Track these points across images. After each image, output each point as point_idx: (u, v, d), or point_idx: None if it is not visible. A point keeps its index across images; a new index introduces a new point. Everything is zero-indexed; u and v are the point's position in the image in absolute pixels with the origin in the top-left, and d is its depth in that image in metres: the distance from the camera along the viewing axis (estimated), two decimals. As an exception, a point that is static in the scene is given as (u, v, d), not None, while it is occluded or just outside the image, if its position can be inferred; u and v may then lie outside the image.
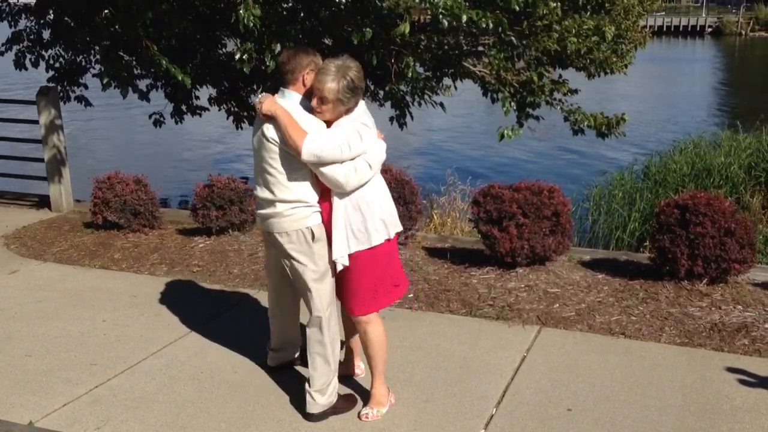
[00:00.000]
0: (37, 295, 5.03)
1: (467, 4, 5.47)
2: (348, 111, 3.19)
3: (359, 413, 3.41)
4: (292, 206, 3.23)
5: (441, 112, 7.87)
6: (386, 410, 3.43)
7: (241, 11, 5.22)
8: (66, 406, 3.56)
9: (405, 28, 5.22)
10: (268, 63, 6.08)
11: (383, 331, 3.39)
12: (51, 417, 3.46)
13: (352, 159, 3.13)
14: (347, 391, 3.60)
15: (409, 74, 6.35)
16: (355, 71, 3.15)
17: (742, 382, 3.67)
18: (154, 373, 3.88)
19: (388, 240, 3.30)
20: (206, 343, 4.22)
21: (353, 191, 3.19)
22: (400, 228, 3.39)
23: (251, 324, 4.48)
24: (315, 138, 3.08)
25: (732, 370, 3.79)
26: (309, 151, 3.07)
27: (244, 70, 6.17)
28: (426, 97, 7.60)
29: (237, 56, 6.11)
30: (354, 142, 3.12)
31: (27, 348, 4.21)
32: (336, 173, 3.11)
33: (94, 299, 4.93)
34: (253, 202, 6.17)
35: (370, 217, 3.21)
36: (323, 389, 3.37)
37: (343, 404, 3.47)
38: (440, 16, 5.17)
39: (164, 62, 5.84)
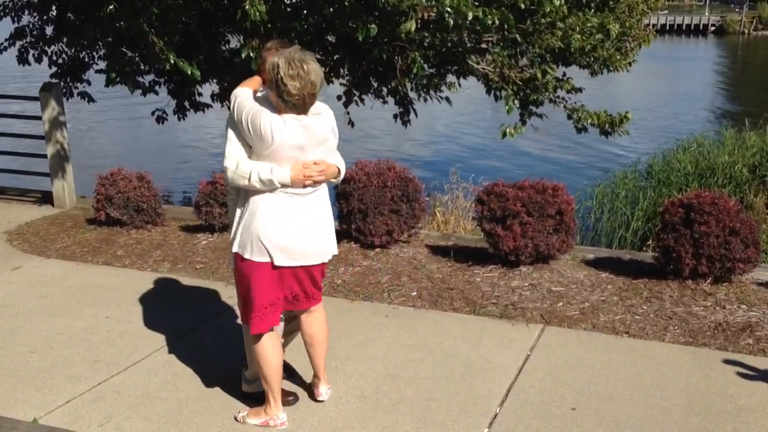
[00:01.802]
0: (40, 292, 5.02)
1: (474, 2, 5.45)
2: (286, 107, 2.99)
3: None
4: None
5: (444, 110, 7.88)
6: (255, 422, 3.30)
7: (247, 6, 5.21)
8: (69, 403, 3.55)
9: (411, 26, 5.21)
10: None
11: (266, 353, 3.19)
12: (54, 414, 3.46)
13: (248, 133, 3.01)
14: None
15: (415, 70, 6.34)
16: (287, 69, 2.90)
17: (746, 382, 3.66)
18: (157, 369, 3.88)
19: (261, 262, 3.07)
20: (210, 340, 4.21)
21: (256, 195, 3.05)
22: (291, 263, 3.09)
23: (254, 321, 4.47)
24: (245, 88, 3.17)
25: (736, 370, 3.78)
26: (235, 91, 3.13)
27: (252, 67, 6.15)
28: (431, 92, 7.60)
29: (244, 53, 6.10)
30: (253, 116, 2.96)
31: (30, 344, 4.21)
32: (227, 152, 3.05)
33: (97, 296, 4.93)
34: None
35: (254, 230, 3.05)
36: (244, 376, 3.56)
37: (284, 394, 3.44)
38: (446, 15, 5.15)
39: (172, 57, 5.83)
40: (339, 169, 3.21)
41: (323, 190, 3.23)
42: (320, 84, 3.00)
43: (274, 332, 3.25)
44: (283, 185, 3.03)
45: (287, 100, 2.96)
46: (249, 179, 3.01)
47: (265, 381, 3.26)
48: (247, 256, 3.09)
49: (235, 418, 3.38)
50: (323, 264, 3.29)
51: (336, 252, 3.34)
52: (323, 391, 3.49)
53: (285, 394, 3.44)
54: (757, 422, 3.30)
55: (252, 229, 3.06)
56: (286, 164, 3.02)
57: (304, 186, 3.07)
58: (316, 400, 3.50)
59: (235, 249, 3.14)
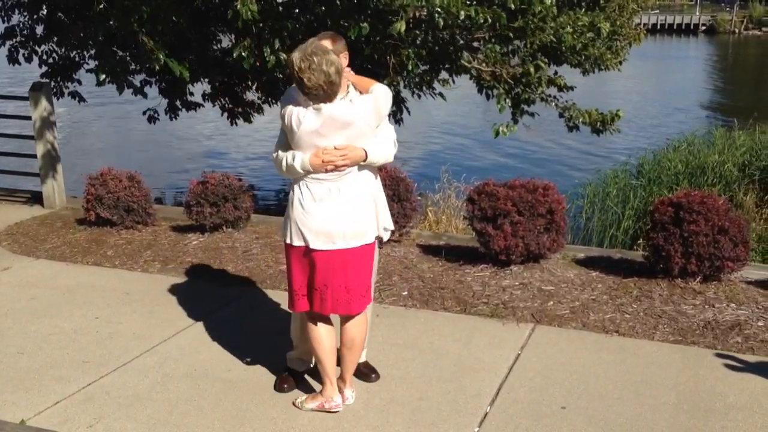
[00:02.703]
0: (30, 293, 5.00)
1: (465, 1, 5.46)
2: (309, 99, 3.15)
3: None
4: None
5: (436, 109, 7.90)
6: (311, 406, 3.43)
7: (238, 6, 5.21)
8: (58, 404, 3.54)
9: (401, 26, 5.22)
10: (267, 58, 6.05)
11: (317, 335, 3.35)
12: (43, 415, 3.44)
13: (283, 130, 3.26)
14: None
15: (410, 66, 6.34)
16: (300, 63, 3.05)
17: (735, 380, 3.68)
18: (147, 370, 3.87)
19: (291, 245, 3.27)
20: (200, 341, 4.20)
21: (295, 185, 3.27)
22: (329, 246, 3.19)
23: (245, 321, 4.46)
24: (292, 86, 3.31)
25: (725, 368, 3.80)
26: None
27: (244, 66, 6.14)
28: (424, 89, 7.62)
29: (236, 53, 6.08)
30: (283, 111, 3.22)
31: (19, 345, 4.19)
32: (275, 145, 3.33)
33: (87, 296, 4.91)
34: (248, 200, 6.17)
35: (292, 216, 3.26)
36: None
37: (282, 381, 3.66)
38: (436, 15, 5.17)
39: (162, 56, 5.81)
40: (366, 153, 3.21)
41: (359, 176, 3.26)
42: (335, 73, 3.07)
43: (322, 321, 3.36)
44: (305, 170, 3.17)
45: (307, 93, 3.08)
46: (281, 167, 3.24)
47: (319, 362, 3.41)
48: (288, 241, 3.29)
49: (294, 404, 3.45)
50: (362, 255, 3.27)
51: (376, 233, 3.36)
52: (349, 395, 3.50)
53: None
54: (746, 420, 3.32)
55: (291, 216, 3.26)
56: (308, 151, 3.16)
57: (327, 170, 3.16)
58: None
59: (282, 236, 3.36)
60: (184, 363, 3.94)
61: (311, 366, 3.71)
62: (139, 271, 5.40)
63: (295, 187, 3.25)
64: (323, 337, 3.36)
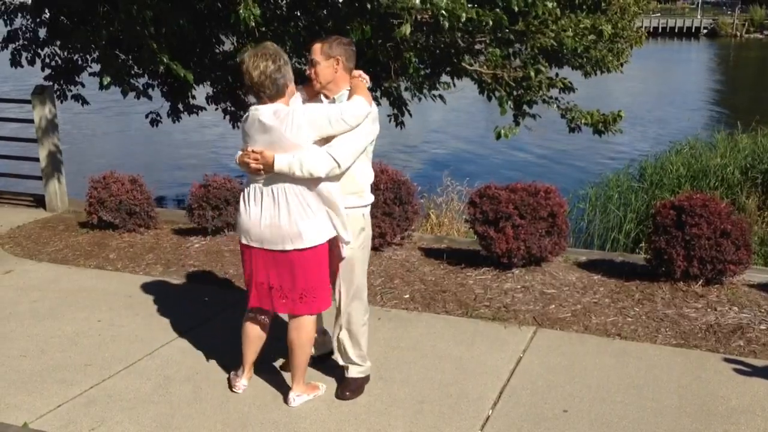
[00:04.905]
0: (32, 295, 5.00)
1: (468, 4, 5.47)
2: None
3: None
4: None
5: (438, 112, 7.90)
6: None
7: (241, 11, 5.21)
8: (61, 407, 3.54)
9: (406, 29, 5.21)
10: None
11: (244, 330, 3.60)
12: (45, 418, 3.45)
13: None
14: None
15: (410, 69, 6.35)
16: (245, 59, 3.29)
17: (737, 383, 3.67)
18: (149, 373, 3.87)
19: (240, 241, 3.43)
20: (202, 344, 4.20)
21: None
22: (252, 244, 3.33)
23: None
24: None
25: (728, 371, 3.79)
26: None
27: None
28: (425, 92, 7.62)
29: (239, 58, 6.09)
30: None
31: (22, 348, 4.19)
32: None
33: (89, 299, 4.91)
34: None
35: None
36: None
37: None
38: (441, 18, 5.16)
39: (165, 59, 5.82)
40: (274, 161, 3.15)
41: (289, 181, 3.20)
42: (259, 75, 3.16)
43: (254, 315, 3.54)
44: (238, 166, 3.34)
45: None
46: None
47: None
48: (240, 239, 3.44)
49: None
50: (294, 259, 3.27)
51: (304, 246, 3.24)
52: (292, 397, 3.52)
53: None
54: (748, 423, 3.32)
55: (239, 215, 3.43)
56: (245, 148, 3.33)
57: (247, 171, 3.29)
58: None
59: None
60: (187, 366, 3.94)
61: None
62: (142, 274, 5.41)
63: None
64: (247, 330, 3.58)
